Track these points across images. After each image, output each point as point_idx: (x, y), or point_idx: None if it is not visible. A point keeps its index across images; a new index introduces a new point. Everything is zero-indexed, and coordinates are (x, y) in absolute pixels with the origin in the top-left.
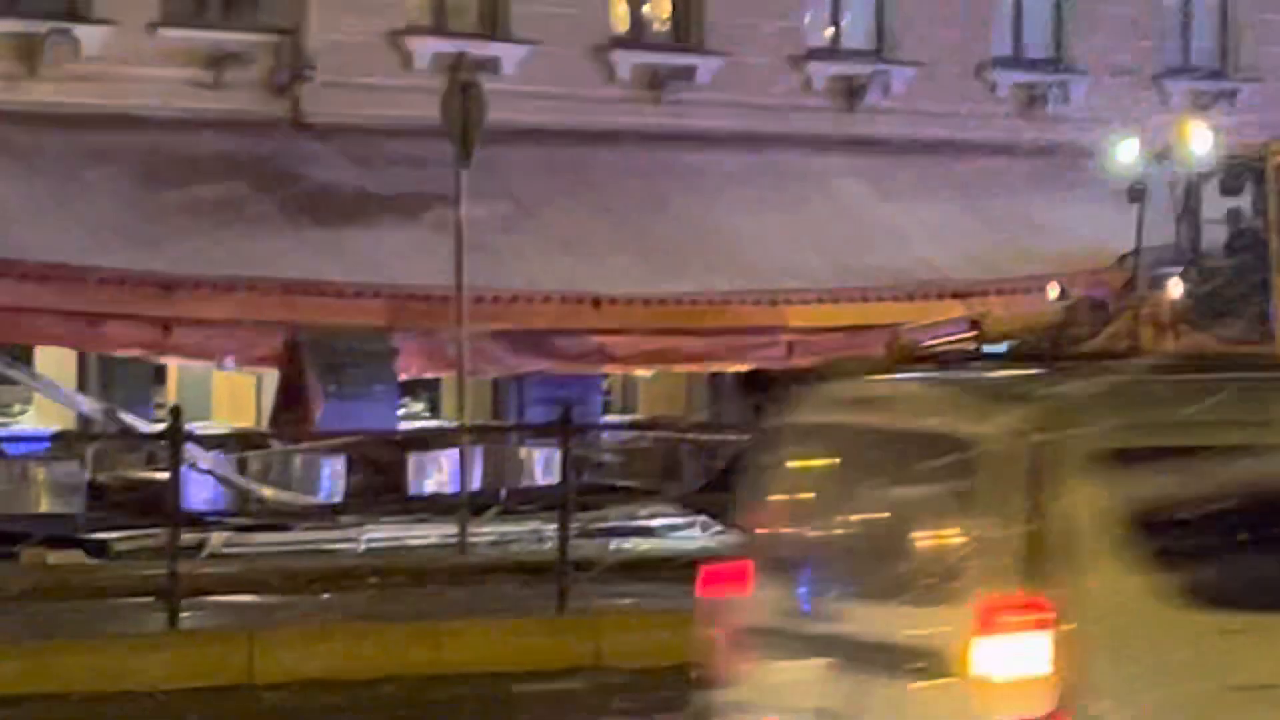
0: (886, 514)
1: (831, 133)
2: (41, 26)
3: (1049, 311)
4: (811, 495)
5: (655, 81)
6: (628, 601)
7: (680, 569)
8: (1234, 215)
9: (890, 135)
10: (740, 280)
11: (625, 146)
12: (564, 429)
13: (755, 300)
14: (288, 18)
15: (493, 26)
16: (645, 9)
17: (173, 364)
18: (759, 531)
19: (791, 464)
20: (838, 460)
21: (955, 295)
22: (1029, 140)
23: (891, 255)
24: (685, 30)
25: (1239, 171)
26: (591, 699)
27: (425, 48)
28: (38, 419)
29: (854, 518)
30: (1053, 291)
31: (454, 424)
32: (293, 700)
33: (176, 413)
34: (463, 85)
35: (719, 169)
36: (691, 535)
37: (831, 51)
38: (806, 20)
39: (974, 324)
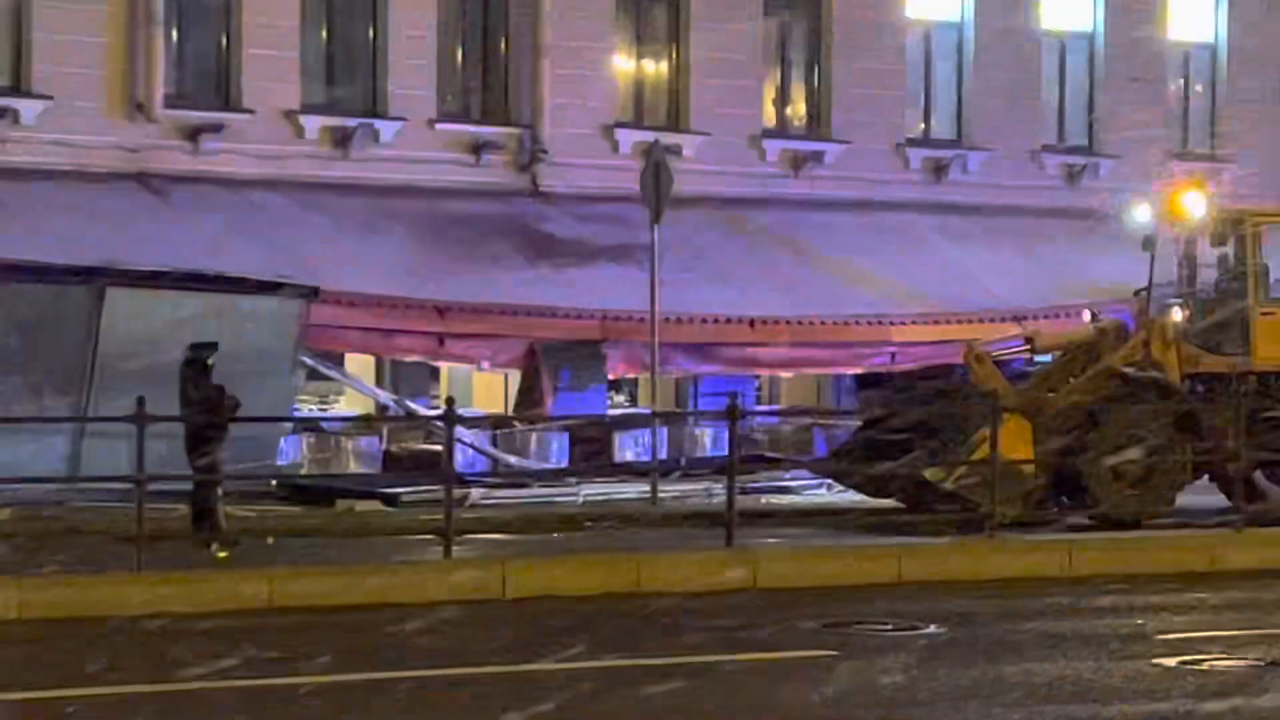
0: None
1: (923, 199)
2: (353, 122)
3: (1084, 331)
4: None
5: (795, 162)
6: (774, 540)
7: (812, 517)
8: (1222, 260)
9: (967, 201)
10: (856, 308)
11: (772, 210)
12: (730, 414)
13: (867, 322)
14: (529, 116)
15: (677, 121)
16: (788, 109)
17: (444, 366)
18: None
19: None
20: None
21: (1014, 319)
22: (1070, 205)
23: (965, 289)
24: (817, 124)
25: (1224, 229)
26: (750, 612)
27: (628, 136)
28: (346, 405)
29: None
30: (1087, 316)
31: (647, 410)
32: (533, 610)
33: (450, 402)
34: (655, 164)
35: (840, 226)
36: (820, 493)
37: (924, 140)
38: (905, 116)
39: (1028, 340)
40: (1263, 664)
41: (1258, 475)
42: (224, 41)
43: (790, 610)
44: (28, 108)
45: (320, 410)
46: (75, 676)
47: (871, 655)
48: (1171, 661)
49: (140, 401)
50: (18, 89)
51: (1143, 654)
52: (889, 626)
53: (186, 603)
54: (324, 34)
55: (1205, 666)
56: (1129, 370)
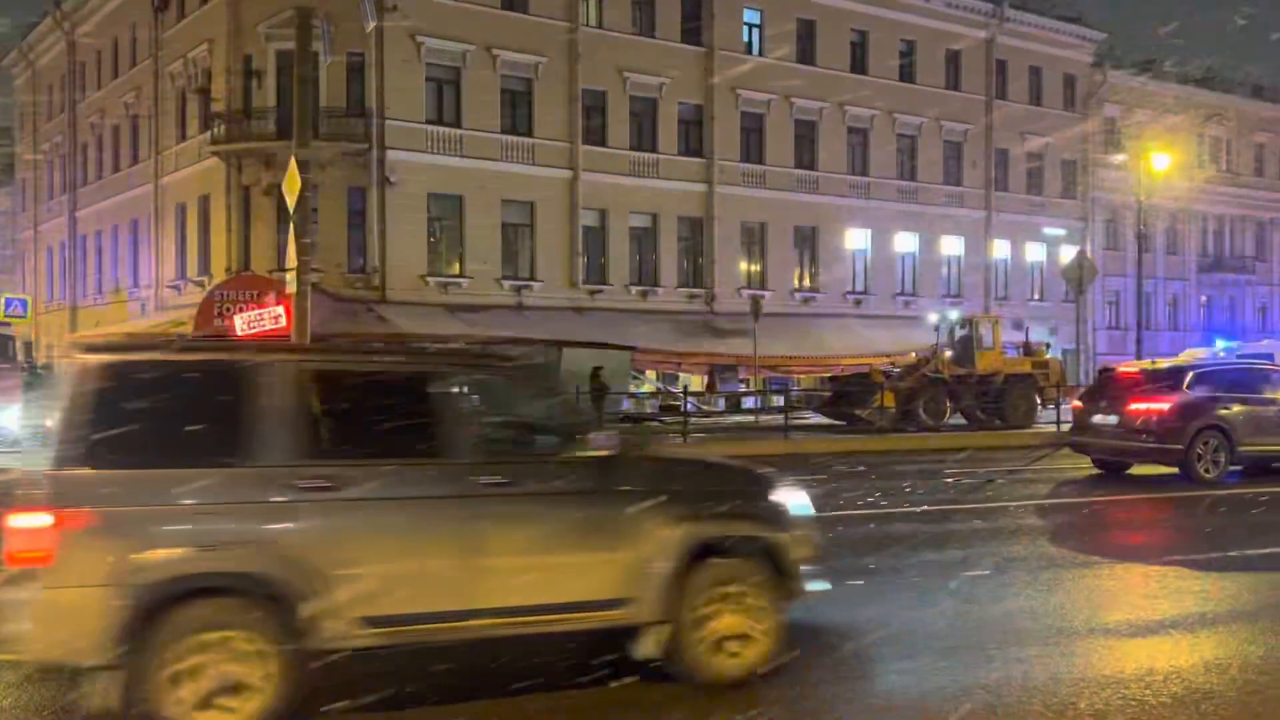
0: None
1: (851, 314)
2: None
3: (912, 359)
4: None
5: (795, 293)
6: (801, 436)
7: (815, 429)
8: (965, 334)
9: (873, 315)
10: (826, 352)
11: (796, 319)
12: (784, 392)
13: (832, 357)
14: (710, 285)
15: (763, 283)
16: (806, 279)
17: (680, 374)
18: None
19: None
20: None
21: (885, 356)
22: (896, 314)
23: (867, 346)
24: (815, 279)
25: (964, 323)
26: (791, 463)
27: (746, 292)
28: (646, 388)
29: None
30: (913, 354)
31: (753, 389)
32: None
33: (685, 387)
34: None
35: (821, 324)
36: (818, 419)
37: (861, 291)
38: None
39: (893, 363)
40: (990, 480)
41: (978, 412)
42: (603, 250)
43: (805, 464)
44: (536, 285)
45: (635, 389)
46: None
47: (838, 477)
48: (951, 479)
49: (577, 390)
50: (532, 276)
51: (939, 477)
52: (843, 467)
53: None
54: (584, 254)
55: (965, 481)
56: (929, 373)
